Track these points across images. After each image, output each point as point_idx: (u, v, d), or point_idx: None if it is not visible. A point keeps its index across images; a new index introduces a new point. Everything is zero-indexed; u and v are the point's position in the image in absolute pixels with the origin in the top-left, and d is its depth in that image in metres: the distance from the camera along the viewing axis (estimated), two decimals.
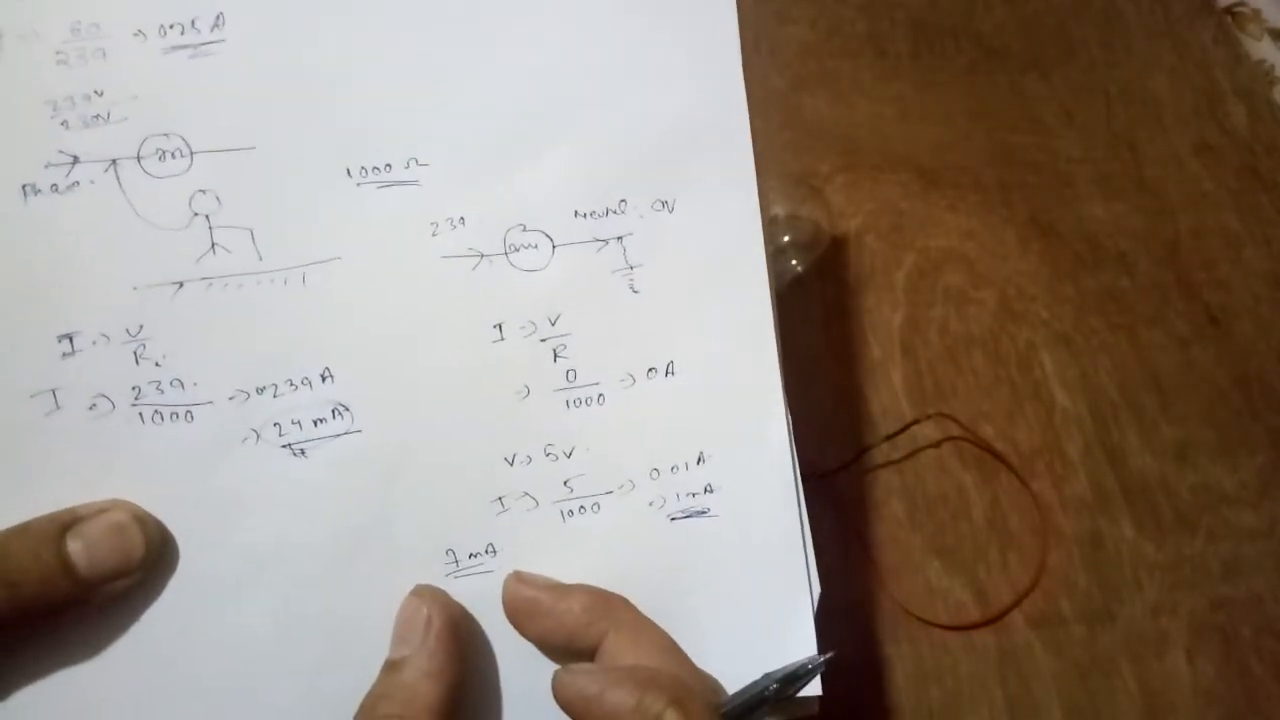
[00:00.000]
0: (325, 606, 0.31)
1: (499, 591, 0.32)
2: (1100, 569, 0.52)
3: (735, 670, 0.32)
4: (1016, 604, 0.50)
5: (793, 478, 0.34)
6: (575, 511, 0.33)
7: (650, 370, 0.33)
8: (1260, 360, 0.60)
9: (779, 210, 0.60)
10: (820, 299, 0.60)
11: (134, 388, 0.30)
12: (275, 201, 0.30)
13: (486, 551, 0.32)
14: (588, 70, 0.32)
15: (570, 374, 0.32)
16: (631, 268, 0.33)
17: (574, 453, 0.33)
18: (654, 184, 0.33)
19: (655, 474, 0.33)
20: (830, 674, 0.48)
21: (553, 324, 0.32)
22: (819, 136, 0.68)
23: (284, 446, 0.31)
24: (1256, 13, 0.80)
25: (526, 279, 0.32)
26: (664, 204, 0.33)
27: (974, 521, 0.53)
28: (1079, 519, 0.53)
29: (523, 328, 0.32)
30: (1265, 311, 0.62)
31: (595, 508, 0.33)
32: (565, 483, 0.33)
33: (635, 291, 0.33)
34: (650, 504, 0.33)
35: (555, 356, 0.32)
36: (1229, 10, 0.80)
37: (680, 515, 0.33)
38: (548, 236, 0.32)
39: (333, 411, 0.31)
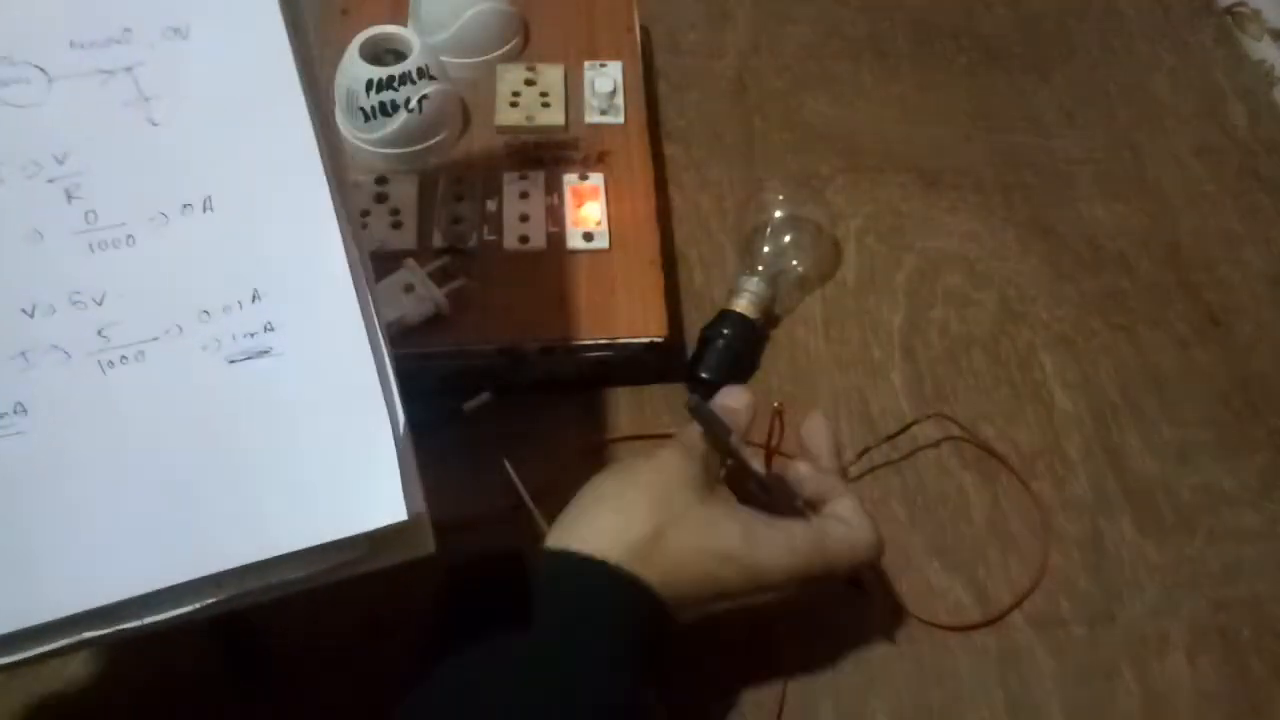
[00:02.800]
0: None
1: (34, 455, 0.30)
2: (1101, 570, 0.52)
3: (312, 507, 0.31)
4: (1017, 605, 0.50)
5: (358, 307, 0.32)
6: (116, 362, 0.31)
7: (185, 206, 0.31)
8: (1260, 361, 0.60)
9: (780, 212, 0.60)
10: (820, 299, 0.60)
11: None
12: None
13: (15, 411, 0.30)
14: None
15: (90, 215, 0.31)
16: (147, 99, 0.31)
17: (105, 299, 0.31)
18: (162, 11, 0.32)
19: (205, 316, 0.31)
20: (831, 674, 0.48)
21: (60, 163, 0.31)
22: (819, 137, 0.68)
23: None
24: (1256, 13, 0.80)
25: (20, 115, 0.30)
26: (176, 31, 0.32)
27: (974, 522, 0.53)
28: (1079, 520, 0.53)
29: (24, 167, 0.30)
30: (1265, 312, 0.62)
31: (139, 356, 0.31)
32: (100, 332, 0.31)
33: (155, 124, 0.31)
34: (204, 348, 0.31)
35: (69, 197, 0.31)
36: (1229, 10, 0.80)
37: (240, 357, 0.31)
38: (40, 69, 0.31)
39: None
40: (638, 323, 0.53)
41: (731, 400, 0.47)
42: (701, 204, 0.64)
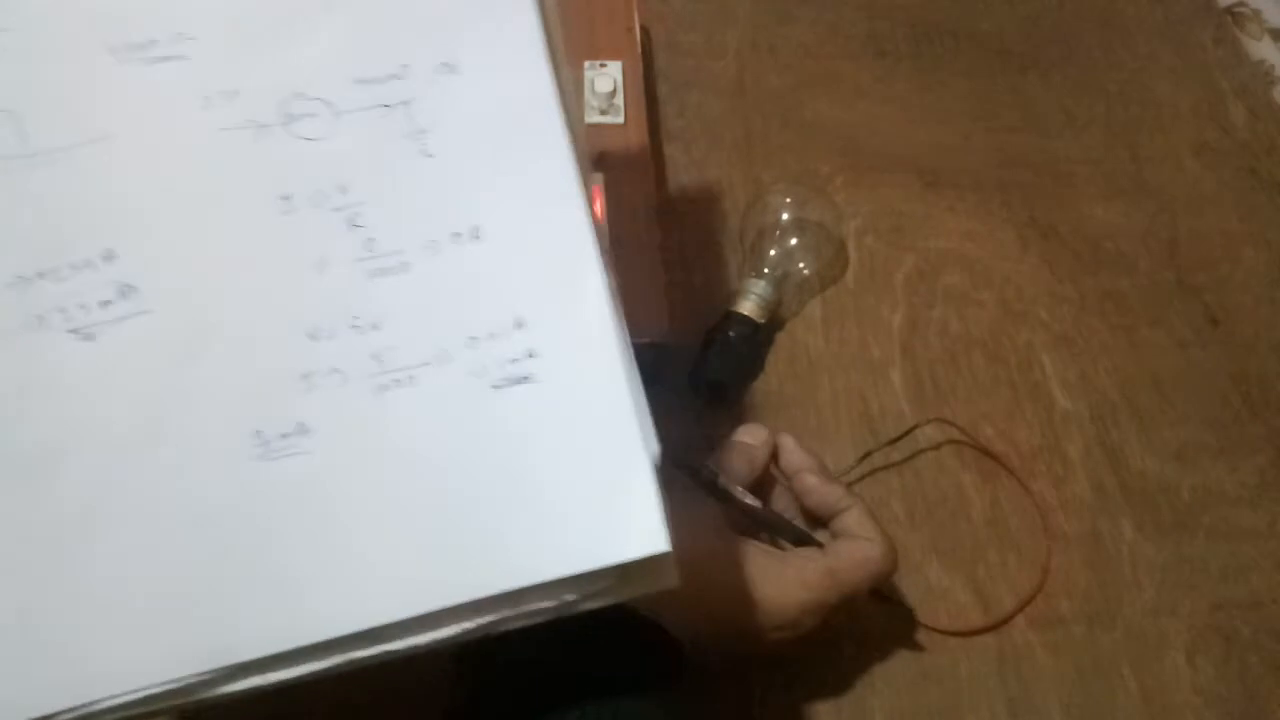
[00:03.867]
0: (128, 496, 0.30)
1: (317, 474, 0.30)
2: (1100, 570, 0.52)
3: (572, 535, 0.31)
4: (1020, 609, 0.50)
5: (616, 336, 0.32)
6: (390, 385, 0.31)
7: (455, 235, 0.32)
8: (1260, 360, 0.60)
9: (786, 214, 0.60)
10: (820, 299, 0.61)
11: None
12: (35, 83, 0.30)
13: (298, 431, 0.31)
14: None
15: (369, 243, 0.32)
16: (422, 131, 0.33)
17: (382, 324, 0.32)
18: (436, 47, 0.33)
19: (472, 342, 0.32)
20: (832, 675, 0.48)
21: (344, 192, 0.32)
22: (819, 137, 0.68)
23: (71, 331, 0.30)
24: (1256, 13, 0.80)
25: (310, 148, 0.32)
26: (448, 66, 0.33)
27: (973, 522, 0.53)
28: (1079, 520, 0.53)
29: (311, 198, 0.32)
30: (1265, 311, 0.62)
31: (411, 380, 0.31)
32: (375, 356, 0.31)
33: (429, 155, 0.33)
34: (470, 373, 0.32)
35: (351, 226, 0.32)
36: (1229, 10, 0.80)
37: (503, 383, 0.32)
38: (328, 104, 0.32)
39: (119, 292, 0.30)
40: (638, 323, 0.52)
41: (749, 437, 0.47)
42: (701, 204, 0.64)
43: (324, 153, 0.32)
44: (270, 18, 0.32)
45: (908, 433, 0.54)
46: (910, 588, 0.50)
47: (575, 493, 0.31)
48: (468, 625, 0.29)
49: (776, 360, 0.58)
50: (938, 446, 0.55)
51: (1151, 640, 0.50)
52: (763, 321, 0.56)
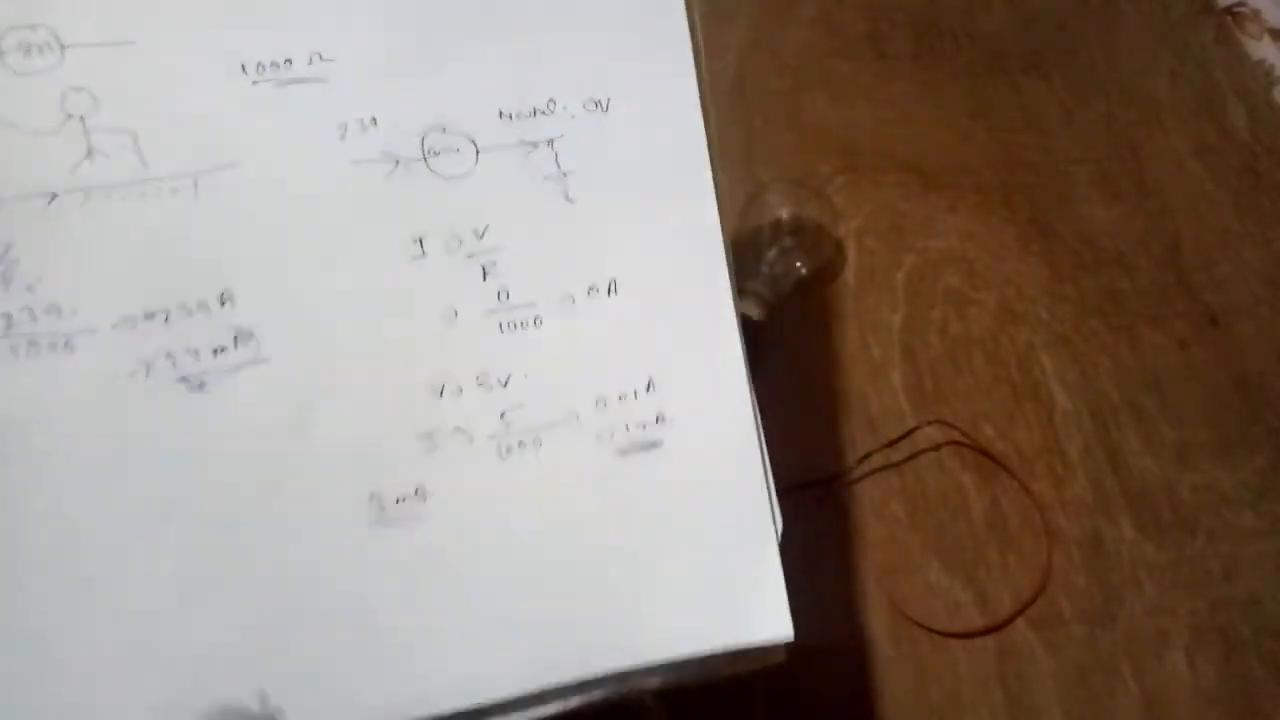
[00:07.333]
0: (233, 560, 0.27)
1: (432, 542, 0.28)
2: (1100, 570, 0.52)
3: (697, 613, 0.29)
4: (1020, 612, 0.50)
5: (750, 404, 0.30)
6: (514, 448, 0.29)
7: (591, 289, 0.30)
8: (1260, 360, 0.60)
9: (782, 213, 0.60)
10: (820, 300, 0.60)
11: (4, 315, 0.26)
12: (160, 101, 0.27)
13: (416, 495, 0.29)
14: None
15: (502, 294, 0.30)
16: (565, 174, 0.30)
17: (510, 381, 0.30)
18: (586, 82, 0.30)
19: (602, 403, 0.30)
20: (832, 675, 0.48)
21: (480, 237, 0.29)
22: (819, 137, 0.68)
23: (180, 380, 0.27)
24: (1256, 13, 0.80)
25: (448, 187, 0.29)
26: (597, 104, 0.30)
27: (973, 522, 0.53)
28: (1079, 520, 0.53)
29: (446, 242, 0.29)
30: (1265, 311, 0.62)
31: (536, 443, 0.30)
32: (501, 415, 0.29)
33: (570, 200, 0.30)
34: (597, 437, 0.30)
35: (485, 274, 0.30)
36: (1229, 10, 0.80)
37: (630, 449, 0.30)
38: (470, 140, 0.29)
39: (234, 339, 0.28)
40: None
41: None
42: None
43: (462, 193, 0.30)
44: (419, 41, 0.29)
45: (908, 434, 0.54)
46: (910, 588, 0.50)
47: (701, 570, 0.29)
48: (573, 701, 0.28)
49: (775, 360, 0.58)
50: (937, 447, 0.55)
51: (1151, 640, 0.50)
52: (761, 321, 0.56)
